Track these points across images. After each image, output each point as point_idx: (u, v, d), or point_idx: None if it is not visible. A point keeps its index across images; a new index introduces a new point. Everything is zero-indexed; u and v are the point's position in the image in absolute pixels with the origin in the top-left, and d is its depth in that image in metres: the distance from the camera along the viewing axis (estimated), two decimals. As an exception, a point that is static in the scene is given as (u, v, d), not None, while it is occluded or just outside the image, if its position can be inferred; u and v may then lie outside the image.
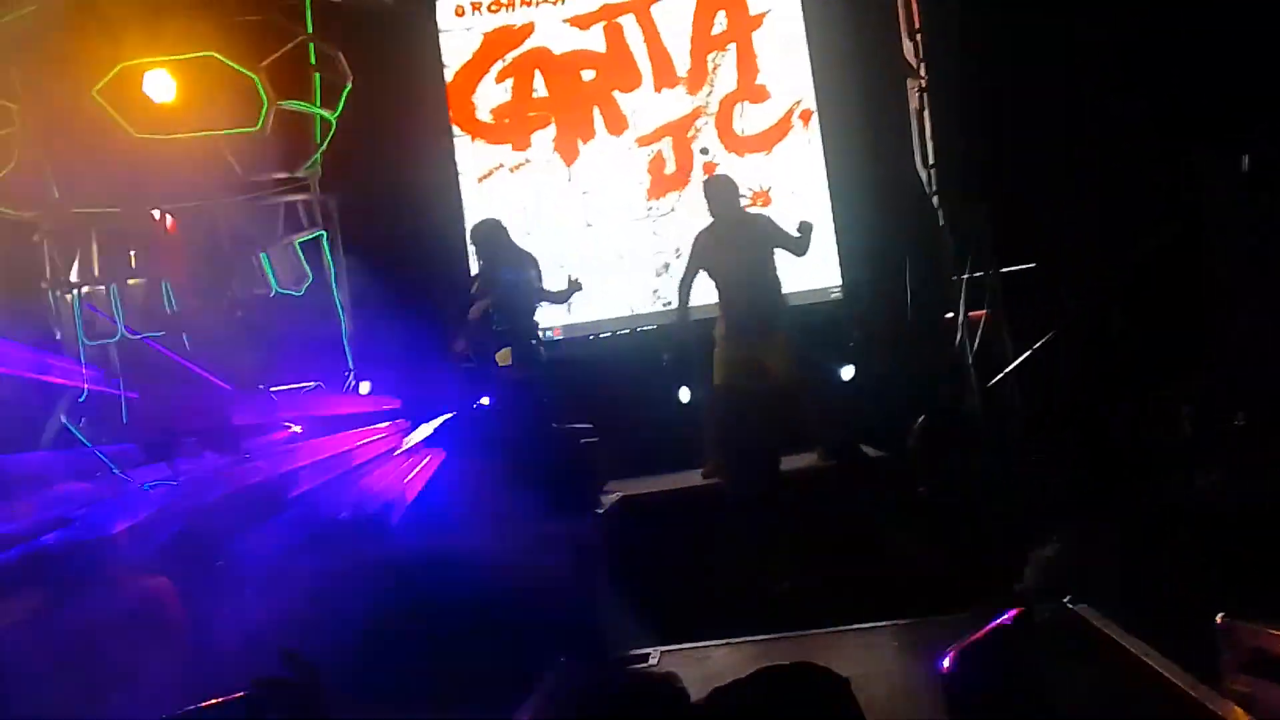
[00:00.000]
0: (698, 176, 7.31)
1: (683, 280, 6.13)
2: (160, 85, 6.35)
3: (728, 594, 3.69)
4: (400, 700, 2.65)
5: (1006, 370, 5.90)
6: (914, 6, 5.30)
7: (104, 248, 6.76)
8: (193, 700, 1.61)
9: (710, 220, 6.09)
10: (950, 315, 6.22)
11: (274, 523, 3.45)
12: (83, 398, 6.81)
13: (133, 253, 6.76)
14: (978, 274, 6.05)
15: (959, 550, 3.65)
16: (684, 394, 6.99)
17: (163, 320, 6.74)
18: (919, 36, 5.26)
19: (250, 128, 6.52)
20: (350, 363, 7.12)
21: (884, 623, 3.11)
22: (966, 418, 5.49)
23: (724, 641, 2.84)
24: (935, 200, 5.72)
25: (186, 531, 3.80)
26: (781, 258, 5.99)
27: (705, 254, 5.99)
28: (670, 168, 7.37)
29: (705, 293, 6.36)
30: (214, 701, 1.44)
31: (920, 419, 3.65)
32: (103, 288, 6.67)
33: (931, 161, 5.39)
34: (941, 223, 5.91)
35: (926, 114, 5.22)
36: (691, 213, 7.22)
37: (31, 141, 6.39)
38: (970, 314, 6.11)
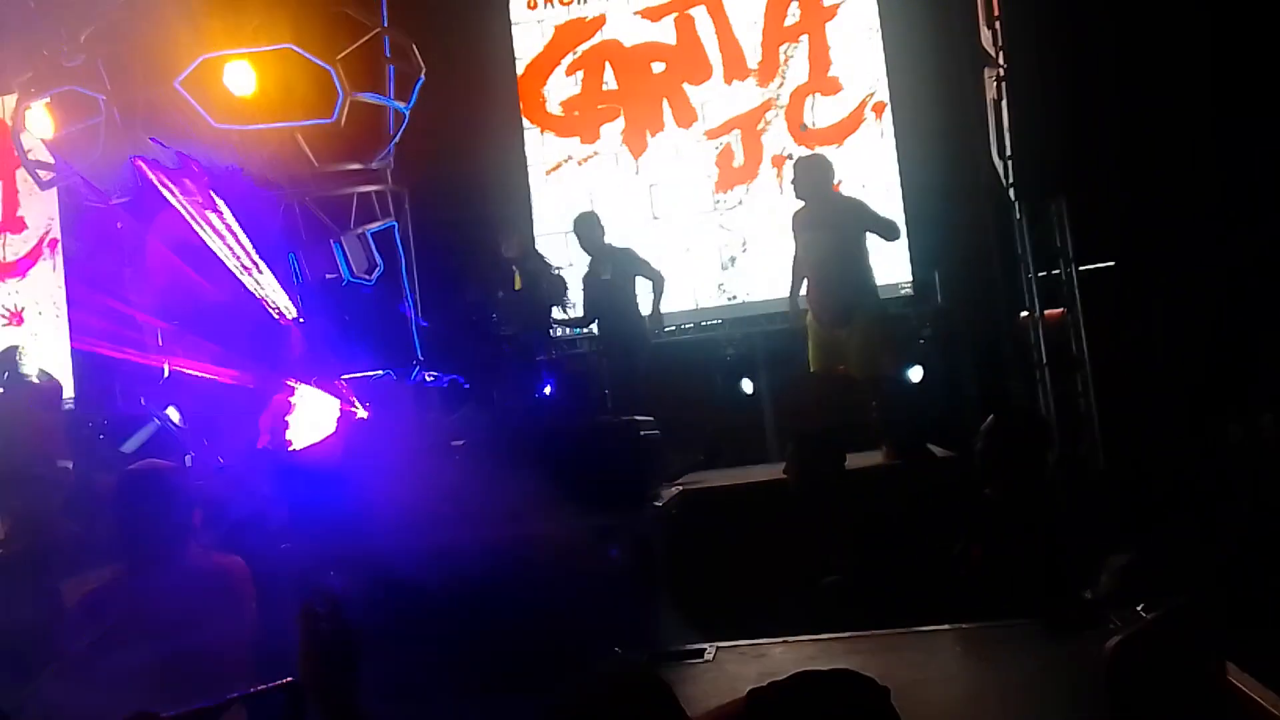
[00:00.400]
0: (766, 170, 7.26)
1: (794, 261, 5.84)
2: (240, 77, 6.49)
3: (787, 590, 3.65)
4: (448, 688, 2.66)
5: (1080, 372, 5.73)
6: (994, -8, 5.15)
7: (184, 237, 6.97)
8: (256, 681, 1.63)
9: (800, 204, 5.84)
10: (1024, 314, 6.06)
11: (330, 505, 3.51)
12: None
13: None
14: (1054, 271, 5.89)
15: (1026, 554, 3.54)
16: (746, 386, 6.94)
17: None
18: (998, 24, 5.09)
19: (325, 119, 6.63)
20: (419, 352, 7.23)
21: (947, 626, 3.01)
22: (1038, 420, 5.33)
23: (781, 640, 2.78)
24: (1012, 194, 5.54)
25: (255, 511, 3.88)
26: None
27: (799, 237, 5.75)
28: (739, 161, 7.30)
29: (758, 288, 6.27)
30: (261, 688, 1.45)
31: (989, 419, 3.54)
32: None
33: (1009, 153, 5.21)
34: (1018, 217, 5.73)
35: (1005, 104, 5.05)
36: (759, 206, 7.19)
37: (116, 131, 6.62)
38: (1046, 313, 5.95)
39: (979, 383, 6.40)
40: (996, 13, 5.10)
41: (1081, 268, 5.88)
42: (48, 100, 6.68)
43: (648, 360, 6.17)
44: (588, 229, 6.23)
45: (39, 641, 2.84)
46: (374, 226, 7.22)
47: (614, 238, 6.32)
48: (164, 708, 1.39)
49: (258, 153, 6.67)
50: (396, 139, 7.09)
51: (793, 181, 5.82)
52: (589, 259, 6.28)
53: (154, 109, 6.51)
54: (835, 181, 6.08)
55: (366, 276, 7.13)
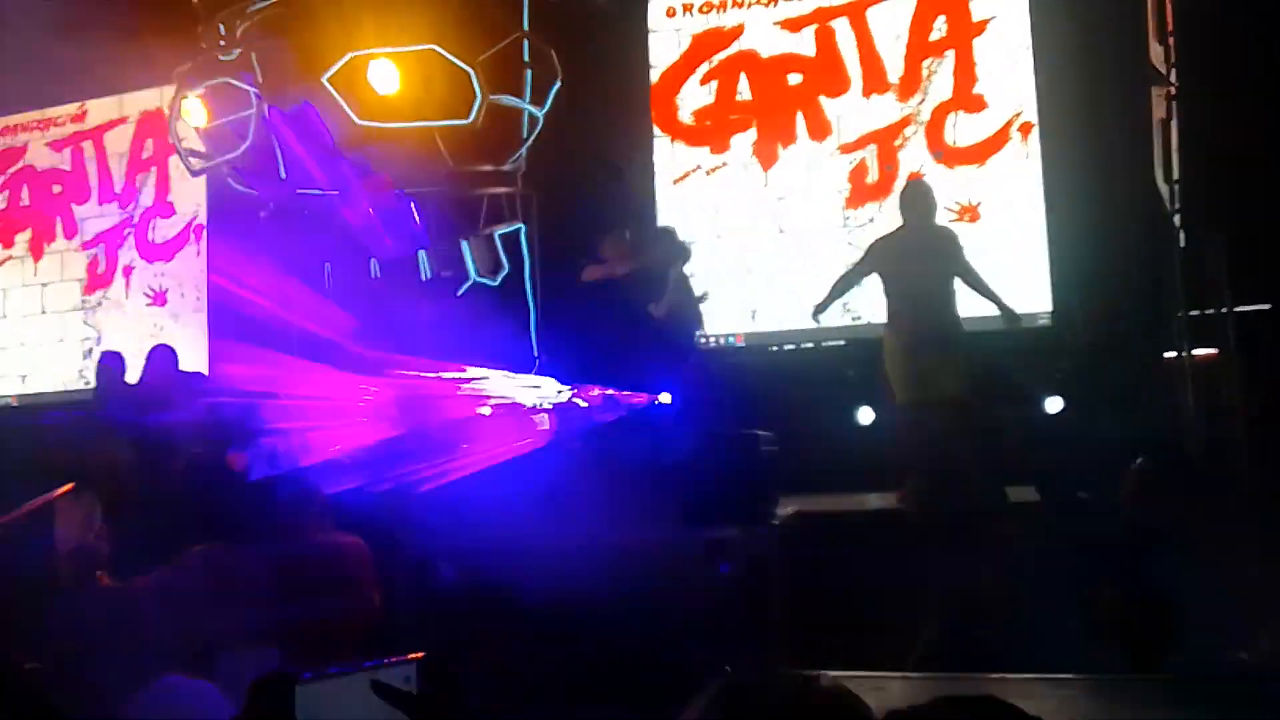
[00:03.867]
0: (900, 187, 7.03)
1: (845, 276, 5.84)
2: (384, 75, 6.64)
3: (908, 625, 3.47)
4: (563, 696, 2.61)
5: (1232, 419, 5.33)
6: (1168, 8, 4.84)
7: (322, 229, 7.19)
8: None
9: (898, 226, 5.77)
10: (1173, 354, 5.69)
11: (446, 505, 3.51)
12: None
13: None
14: (1208, 310, 5.50)
15: (1166, 607, 3.29)
16: (865, 415, 6.70)
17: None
18: (1171, 40, 4.79)
19: (462, 119, 6.73)
20: (536, 352, 7.26)
21: (1077, 675, 2.81)
22: (1187, 466, 4.99)
23: (900, 674, 2.63)
24: (1176, 220, 5.20)
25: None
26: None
27: (884, 260, 5.66)
28: (872, 177, 7.10)
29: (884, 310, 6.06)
30: (390, 661, 1.41)
31: (1137, 461, 3.30)
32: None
33: (1176, 176, 4.89)
34: (1182, 244, 5.37)
35: (1174, 124, 4.75)
36: (891, 225, 6.95)
37: (264, 124, 6.86)
38: (1197, 354, 5.57)
39: (1120, 424, 6.03)
40: (1170, 28, 4.80)
41: (1238, 309, 5.49)
42: (202, 91, 6.98)
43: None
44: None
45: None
46: (502, 228, 7.29)
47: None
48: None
49: (396, 151, 6.81)
50: (529, 142, 7.15)
51: (900, 205, 5.73)
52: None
53: (303, 104, 6.73)
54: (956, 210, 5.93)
55: (491, 277, 7.20)
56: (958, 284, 5.53)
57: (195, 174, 7.32)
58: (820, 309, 5.86)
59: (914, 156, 7.04)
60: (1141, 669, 2.80)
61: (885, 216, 7.01)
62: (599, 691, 2.62)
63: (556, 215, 7.41)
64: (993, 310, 5.57)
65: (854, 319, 7.01)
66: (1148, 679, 2.69)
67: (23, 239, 9.23)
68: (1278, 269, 5.52)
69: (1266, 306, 5.83)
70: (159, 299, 8.74)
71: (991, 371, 5.56)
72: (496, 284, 7.20)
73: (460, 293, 7.08)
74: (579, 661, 2.68)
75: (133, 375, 7.11)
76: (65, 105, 9.10)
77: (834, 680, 2.31)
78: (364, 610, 2.62)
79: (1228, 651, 3.08)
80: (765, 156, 7.35)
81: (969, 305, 5.61)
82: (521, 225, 7.39)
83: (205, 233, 8.60)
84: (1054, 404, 6.16)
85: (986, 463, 5.10)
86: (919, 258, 5.53)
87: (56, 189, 9.14)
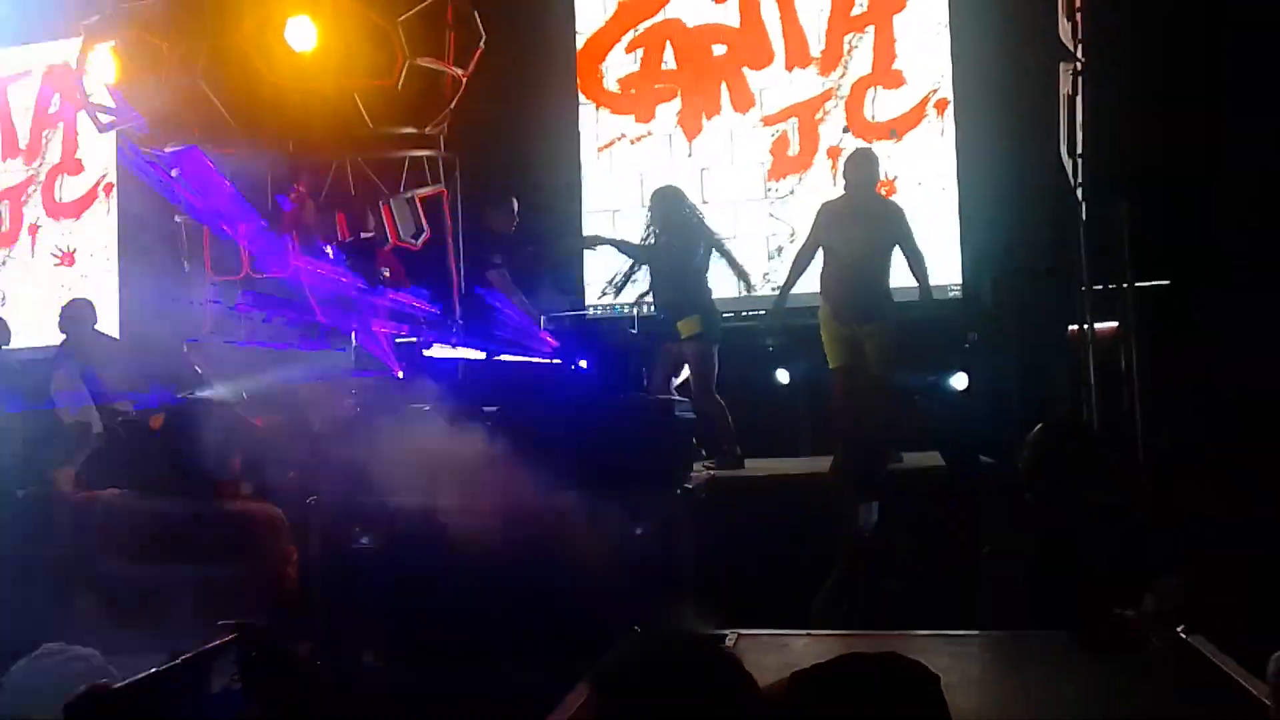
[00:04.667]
0: (820, 160, 7.14)
1: (800, 251, 5.89)
2: (301, 32, 6.47)
3: (812, 586, 3.58)
4: (464, 661, 2.64)
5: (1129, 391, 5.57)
6: (1078, -15, 4.98)
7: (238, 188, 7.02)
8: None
9: (840, 194, 5.85)
10: (1075, 327, 5.91)
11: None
12: (205, 330, 7.11)
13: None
14: (1110, 285, 5.72)
15: (1065, 567, 3.46)
16: (782, 375, 6.84)
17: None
18: (1079, 16, 4.93)
19: (384, 81, 6.61)
20: (458, 317, 7.21)
21: (975, 631, 2.94)
22: (1086, 433, 5.20)
23: (805, 631, 2.72)
24: (1079, 193, 5.38)
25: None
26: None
27: (828, 226, 5.73)
28: (794, 149, 7.20)
29: (804, 281, 6.16)
30: (208, 647, 1.41)
31: (1036, 428, 3.44)
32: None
33: (1080, 150, 5.04)
34: (1084, 217, 5.55)
35: (1080, 100, 4.89)
36: (811, 197, 7.06)
37: (178, 82, 6.64)
38: (1098, 327, 5.79)
39: (1023, 394, 6.25)
40: (1078, 5, 4.94)
41: (1139, 284, 5.71)
42: (113, 44, 6.72)
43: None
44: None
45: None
46: (423, 191, 7.20)
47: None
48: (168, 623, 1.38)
49: (316, 111, 6.65)
50: (452, 105, 7.05)
51: (844, 172, 5.78)
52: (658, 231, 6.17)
53: (214, 60, 6.52)
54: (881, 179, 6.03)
55: (413, 241, 7.12)
56: (894, 256, 5.64)
57: (103, 129, 7.05)
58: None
59: (834, 130, 7.14)
60: (1036, 626, 2.93)
61: (805, 189, 7.13)
62: (509, 650, 2.66)
63: (479, 179, 7.35)
64: (910, 283, 5.72)
65: (774, 288, 7.12)
66: (1040, 635, 2.82)
67: (-82, 195, 8.81)
68: (1177, 245, 5.74)
69: (1166, 282, 6.06)
70: (67, 259, 8.44)
71: (905, 341, 5.71)
72: (418, 247, 7.12)
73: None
74: (488, 621, 2.71)
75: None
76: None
77: (737, 638, 2.39)
78: (274, 576, 2.62)
79: (1116, 610, 3.22)
80: (690, 127, 7.38)
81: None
82: (444, 189, 7.31)
83: (115, 191, 8.31)
84: (961, 374, 6.36)
85: (902, 428, 5.26)
86: (859, 224, 5.61)
87: (-44, 143, 8.74)
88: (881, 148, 6.92)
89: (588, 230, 7.37)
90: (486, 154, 7.24)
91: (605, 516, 3.15)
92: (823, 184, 7.06)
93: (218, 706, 1.26)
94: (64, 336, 6.86)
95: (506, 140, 7.23)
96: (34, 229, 8.55)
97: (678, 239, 6.03)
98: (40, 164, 8.54)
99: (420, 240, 7.05)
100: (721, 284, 6.97)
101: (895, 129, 7.02)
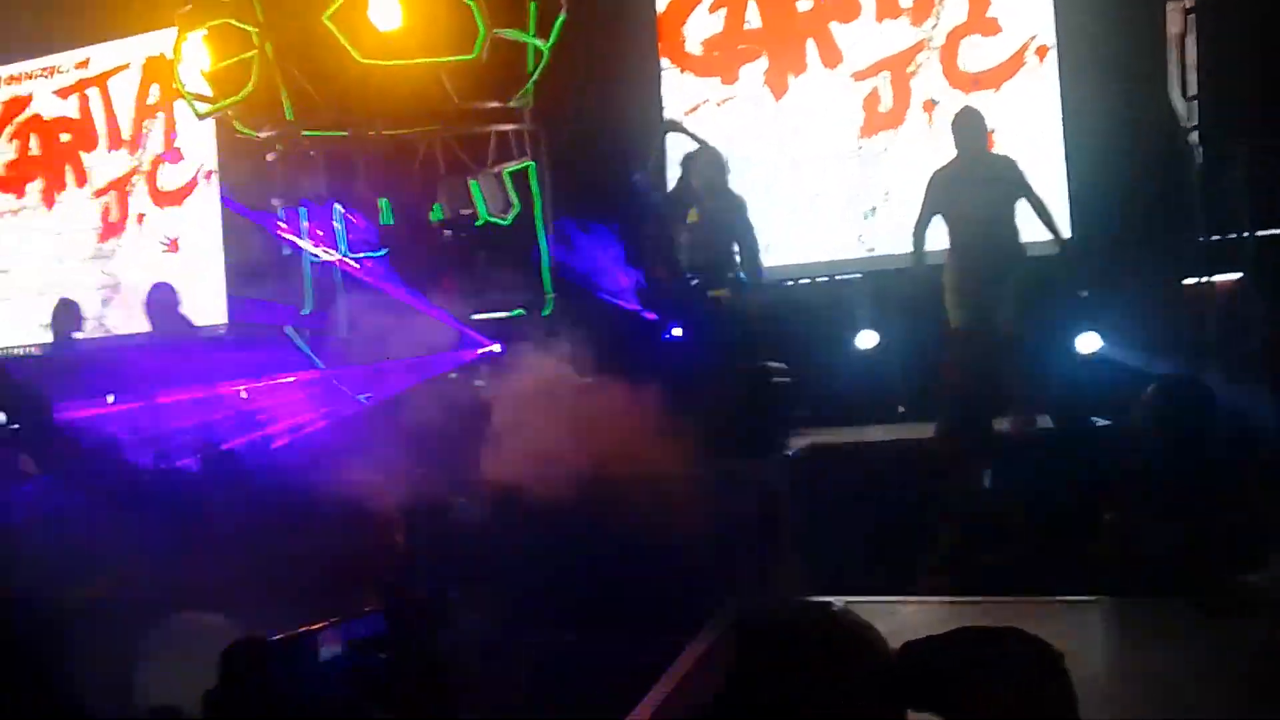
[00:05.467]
0: (914, 116, 6.91)
1: (918, 222, 5.70)
2: (385, 11, 6.53)
3: (922, 554, 3.49)
4: (575, 626, 2.65)
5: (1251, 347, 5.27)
6: (1181, -81, 4.67)
7: (330, 169, 7.17)
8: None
9: (951, 157, 5.67)
10: (1194, 280, 5.61)
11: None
12: (306, 310, 7.31)
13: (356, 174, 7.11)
14: (1229, 235, 5.41)
15: (1186, 531, 3.30)
16: (869, 339, 6.66)
17: (378, 241, 7.09)
18: (1185, -50, 4.64)
19: (467, 55, 6.63)
20: (549, 290, 7.24)
21: (1092, 598, 2.83)
22: (1203, 393, 4.95)
23: (916, 599, 2.65)
24: (1193, 138, 5.08)
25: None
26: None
27: (941, 193, 5.57)
28: (886, 105, 6.97)
29: (901, 241, 5.98)
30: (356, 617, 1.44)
31: (1152, 387, 3.28)
32: (328, 206, 7.06)
33: (1193, 92, 4.76)
34: (1199, 163, 5.25)
35: (1191, 39, 4.61)
36: (905, 153, 6.86)
37: (268, 65, 6.78)
38: (1217, 279, 5.49)
39: (1139, 350, 5.97)
40: (1184, -61, 4.65)
41: (1260, 232, 5.38)
42: (205, 33, 6.89)
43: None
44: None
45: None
46: (511, 166, 7.22)
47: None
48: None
49: (401, 89, 6.72)
50: (536, 77, 7.04)
51: (954, 134, 5.64)
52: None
53: (302, 43, 6.64)
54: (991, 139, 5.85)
55: (502, 216, 7.15)
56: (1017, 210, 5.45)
57: (201, 117, 7.25)
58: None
59: (928, 83, 6.89)
60: (1155, 593, 2.82)
61: (899, 145, 6.91)
62: (611, 621, 2.66)
63: (564, 151, 7.33)
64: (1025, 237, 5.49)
65: (868, 250, 6.95)
66: (1161, 603, 2.71)
67: (34, 189, 9.23)
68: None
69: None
70: (173, 246, 8.75)
71: (1026, 301, 5.49)
72: (508, 223, 7.16)
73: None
74: (591, 592, 2.72)
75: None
76: (68, 52, 9.02)
77: (844, 606, 2.32)
78: (385, 549, 2.66)
79: (1240, 575, 3.08)
80: (776, 86, 7.21)
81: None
82: (531, 162, 7.32)
83: (215, 177, 8.56)
84: (1073, 333, 6.10)
85: (1025, 391, 5.07)
86: (977, 186, 5.45)
87: (65, 137, 9.11)
88: (979, 99, 6.67)
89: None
90: (571, 125, 7.21)
91: (708, 484, 3.11)
92: (917, 140, 6.83)
93: (360, 666, 1.30)
94: (154, 322, 7.11)
95: (590, 110, 7.18)
96: (141, 217, 8.89)
97: (722, 204, 5.91)
98: (143, 154, 8.86)
99: (511, 216, 7.08)
100: (817, 245, 6.89)
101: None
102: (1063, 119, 6.51)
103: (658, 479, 3.06)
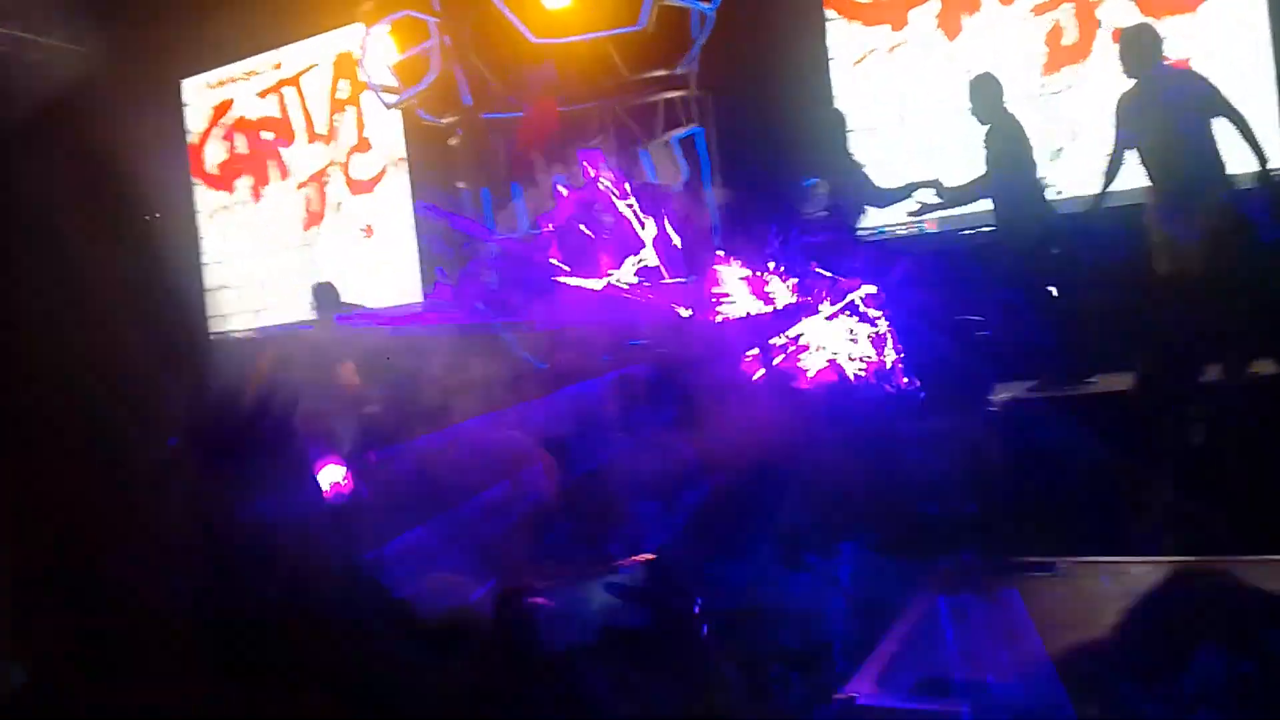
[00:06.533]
0: (1101, 47, 6.54)
1: (1110, 157, 5.37)
2: (554, -12, 6.70)
3: (1138, 510, 3.39)
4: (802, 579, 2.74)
5: None
6: None
7: (509, 150, 7.44)
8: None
9: (1134, 83, 5.29)
10: None
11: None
12: (493, 287, 7.64)
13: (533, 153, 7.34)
14: None
15: None
16: (1056, 287, 6.38)
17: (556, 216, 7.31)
18: None
19: (633, 25, 6.72)
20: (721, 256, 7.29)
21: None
22: None
23: (1145, 559, 2.60)
24: None
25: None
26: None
27: (1130, 122, 5.18)
28: (1070, 38, 6.63)
29: (1091, 182, 5.66)
30: (622, 562, 1.50)
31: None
32: (509, 186, 7.34)
33: None
34: None
35: None
36: (1093, 89, 6.51)
37: (447, 52, 7.09)
38: None
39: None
40: None
41: None
42: (388, 27, 7.25)
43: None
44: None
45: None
46: (679, 132, 7.29)
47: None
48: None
49: (574, 65, 6.89)
50: (701, 41, 7.06)
51: (1120, 56, 5.23)
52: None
53: (479, 29, 6.90)
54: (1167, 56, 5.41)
55: (673, 183, 7.24)
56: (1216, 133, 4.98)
57: (389, 108, 7.66)
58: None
59: (1114, 11, 6.51)
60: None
61: (1086, 81, 6.58)
62: (838, 571, 2.74)
63: (732, 113, 7.34)
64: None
65: (1056, 194, 6.67)
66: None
67: (243, 184, 10.01)
68: None
69: None
70: (368, 232, 9.32)
71: (1235, 236, 5.09)
72: (679, 189, 7.24)
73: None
74: (815, 543, 2.79)
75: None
76: (265, 55, 9.68)
77: (1068, 565, 2.32)
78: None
79: None
80: (949, 28, 6.98)
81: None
82: (699, 128, 7.37)
83: (404, 164, 9.04)
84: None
85: (1240, 336, 4.73)
86: (1165, 107, 5.04)
87: (267, 135, 9.81)
88: (1174, 24, 6.26)
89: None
90: (737, 86, 7.20)
91: (912, 441, 3.14)
92: (1106, 74, 6.48)
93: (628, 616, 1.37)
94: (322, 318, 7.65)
95: (755, 69, 7.15)
96: (338, 207, 9.50)
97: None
98: (337, 146, 9.44)
99: (680, 183, 7.17)
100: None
101: None
102: (1272, 38, 6.03)
103: (871, 438, 3.11)
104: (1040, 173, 6.10)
